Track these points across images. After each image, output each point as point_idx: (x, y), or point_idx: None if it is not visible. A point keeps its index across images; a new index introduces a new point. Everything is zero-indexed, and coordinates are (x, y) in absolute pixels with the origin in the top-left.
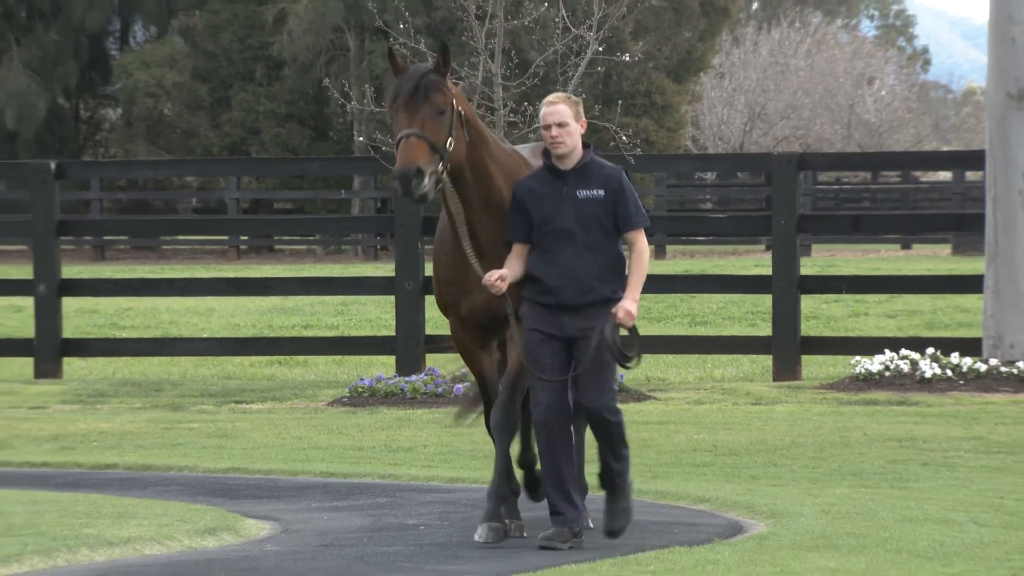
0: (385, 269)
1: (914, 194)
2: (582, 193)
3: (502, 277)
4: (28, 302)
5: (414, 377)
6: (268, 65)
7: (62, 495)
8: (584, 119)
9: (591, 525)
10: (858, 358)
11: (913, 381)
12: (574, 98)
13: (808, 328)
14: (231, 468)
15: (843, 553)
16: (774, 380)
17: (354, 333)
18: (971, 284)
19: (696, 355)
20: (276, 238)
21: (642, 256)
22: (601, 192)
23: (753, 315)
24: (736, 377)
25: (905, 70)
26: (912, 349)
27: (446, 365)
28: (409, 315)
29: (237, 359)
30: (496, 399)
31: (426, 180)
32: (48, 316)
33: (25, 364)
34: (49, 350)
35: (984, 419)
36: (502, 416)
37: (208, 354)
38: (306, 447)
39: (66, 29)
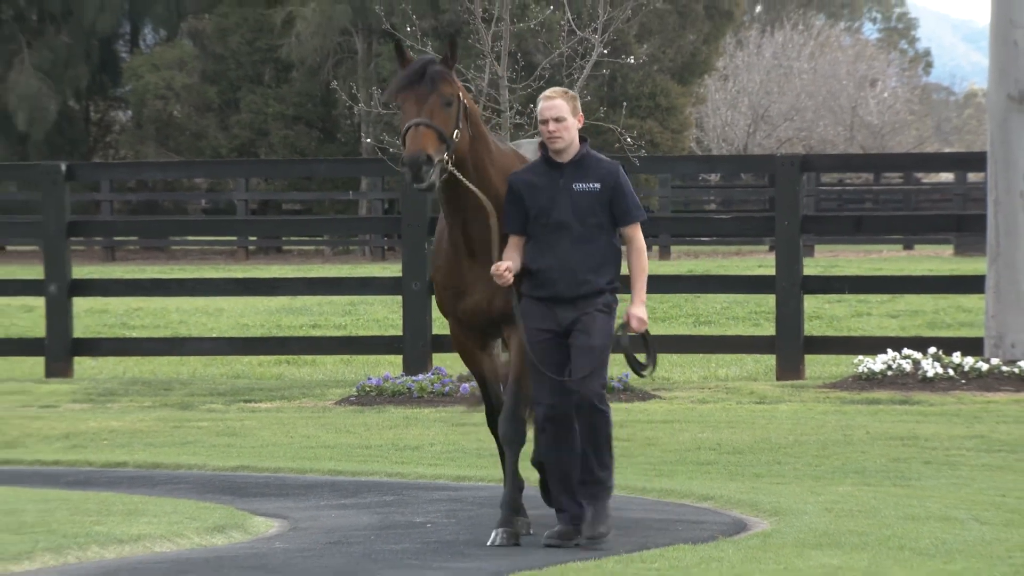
0: (392, 269)
1: (916, 195)
2: (578, 186)
3: (509, 268)
4: (39, 302)
5: (421, 376)
6: (276, 68)
7: (73, 493)
8: (581, 114)
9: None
10: (861, 358)
11: (915, 380)
12: (571, 93)
13: (811, 328)
14: (240, 466)
15: (846, 551)
16: (778, 379)
17: (361, 333)
18: (973, 284)
19: (700, 355)
20: (284, 239)
21: (641, 254)
22: (597, 185)
23: (757, 315)
24: (740, 376)
25: (907, 72)
26: (914, 349)
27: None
28: (416, 315)
29: (246, 358)
30: (500, 407)
31: (434, 168)
32: (59, 316)
33: (36, 363)
34: (60, 350)
35: (985, 418)
36: (510, 428)
37: (217, 353)
38: (314, 445)
39: (77, 32)
